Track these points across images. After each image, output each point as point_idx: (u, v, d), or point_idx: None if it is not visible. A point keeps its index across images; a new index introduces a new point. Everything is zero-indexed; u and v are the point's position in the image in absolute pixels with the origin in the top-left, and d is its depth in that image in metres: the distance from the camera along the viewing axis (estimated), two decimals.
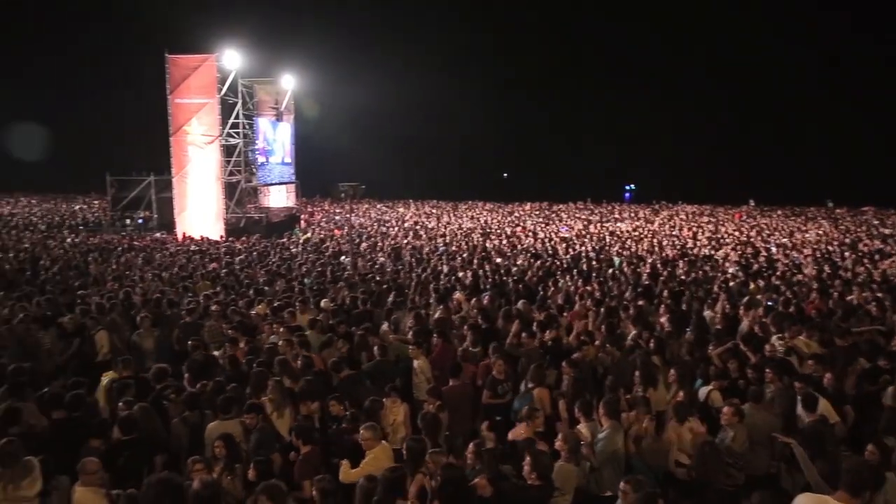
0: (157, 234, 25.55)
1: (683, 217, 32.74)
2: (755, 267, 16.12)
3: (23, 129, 45.40)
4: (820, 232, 26.31)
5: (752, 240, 23.36)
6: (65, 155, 49.67)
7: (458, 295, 11.90)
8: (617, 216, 33.38)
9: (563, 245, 21.19)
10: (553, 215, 34.31)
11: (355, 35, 54.42)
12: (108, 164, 30.24)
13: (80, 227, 27.46)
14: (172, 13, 45.88)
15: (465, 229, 27.33)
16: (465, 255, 18.45)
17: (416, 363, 8.09)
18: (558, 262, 17.09)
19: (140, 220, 28.24)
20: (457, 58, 58.67)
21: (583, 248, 20.62)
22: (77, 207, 37.16)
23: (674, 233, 26.02)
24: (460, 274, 14.74)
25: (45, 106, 50.76)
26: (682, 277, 14.48)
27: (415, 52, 55.27)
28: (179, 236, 25.21)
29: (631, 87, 59.60)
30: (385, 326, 9.71)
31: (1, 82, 48.62)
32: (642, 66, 60.33)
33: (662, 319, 9.87)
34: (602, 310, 10.12)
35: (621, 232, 26.29)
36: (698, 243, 22.25)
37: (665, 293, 12.07)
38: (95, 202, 38.18)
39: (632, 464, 6.02)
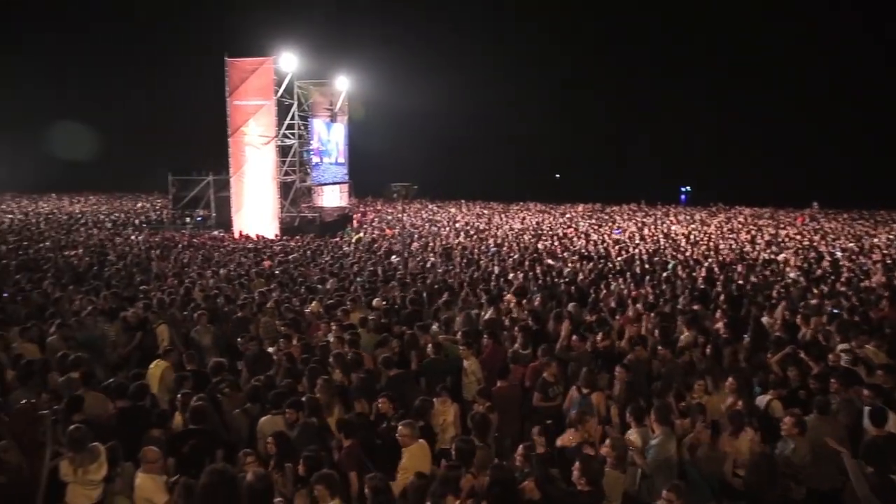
0: (215, 232, 26.29)
1: (742, 220, 31.77)
2: (818, 272, 15.52)
3: (73, 129, 47.24)
4: (892, 237, 25.11)
5: (815, 244, 22.50)
6: (130, 155, 51.67)
7: (508, 296, 11.85)
8: (672, 218, 32.62)
9: (616, 247, 20.85)
10: (606, 217, 33.80)
11: (410, 36, 54.82)
12: (170, 164, 31.31)
13: (144, 225, 28.49)
14: (232, 17, 47.23)
15: (516, 230, 27.18)
16: (516, 257, 18.36)
17: (466, 364, 8.08)
18: (611, 265, 16.84)
19: (199, 219, 29.12)
20: (511, 58, 58.54)
21: (636, 250, 20.25)
22: (139, 205, 38.53)
23: (731, 236, 25.27)
24: (511, 275, 14.67)
25: (113, 108, 52.99)
26: (740, 282, 14.05)
27: (469, 52, 55.38)
28: (236, 234, 25.89)
29: (687, 85, 58.24)
30: (435, 327, 9.75)
31: (67, 84, 50.82)
32: (700, 64, 58.90)
33: (719, 325, 9.60)
34: (655, 314, 9.91)
35: (676, 234, 25.71)
36: (757, 247, 21.56)
37: (722, 298, 11.74)
38: (158, 201, 39.53)
39: (686, 472, 5.87)
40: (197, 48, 44.71)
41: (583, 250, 20.39)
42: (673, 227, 28.36)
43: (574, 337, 8.64)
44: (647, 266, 16.53)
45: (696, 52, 58.63)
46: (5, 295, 12.28)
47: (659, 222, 30.73)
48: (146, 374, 7.79)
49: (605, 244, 21.95)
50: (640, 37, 61.17)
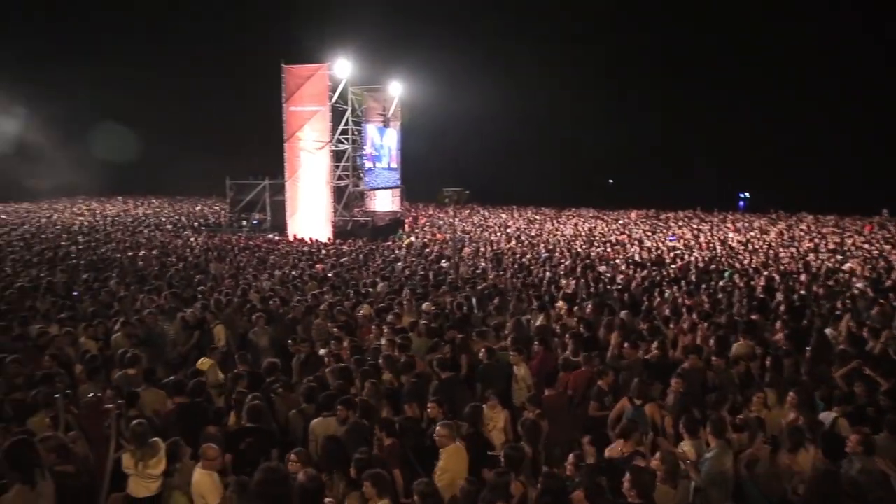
0: (270, 235, 26.89)
1: (804, 227, 30.65)
2: (888, 283, 14.84)
3: (136, 135, 49.03)
4: None
5: (884, 253, 21.52)
6: (190, 160, 53.43)
7: (559, 303, 11.75)
8: (729, 225, 31.73)
9: (671, 255, 20.41)
10: (660, 223, 33.13)
11: (462, 41, 54.90)
12: (229, 168, 32.23)
13: (202, 228, 29.37)
14: (288, 25, 48.35)
15: (568, 236, 26.93)
16: (567, 263, 18.19)
17: (516, 370, 8.04)
18: (665, 273, 16.51)
19: (255, 222, 29.85)
20: (565, 62, 57.90)
21: (691, 258, 19.80)
22: (198, 208, 39.73)
23: (793, 244, 24.41)
24: (563, 282, 14.55)
25: (174, 115, 54.93)
26: (802, 292, 13.56)
27: (522, 56, 55.12)
28: (290, 237, 26.43)
29: (745, 87, 56.60)
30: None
31: (133, 92, 52.84)
32: (760, 65, 57.16)
33: (779, 336, 9.29)
34: (711, 323, 9.66)
35: (733, 242, 25.00)
36: (821, 256, 20.76)
37: (782, 308, 11.35)
38: (216, 205, 40.69)
39: (743, 489, 5.68)
40: (254, 55, 45.89)
41: (636, 257, 20.05)
42: (730, 235, 27.59)
43: (626, 345, 8.50)
44: (702, 274, 16.13)
45: (756, 53, 56.97)
46: (75, 294, 12.85)
47: (715, 229, 29.95)
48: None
49: (659, 251, 21.53)
50: (696, 39, 59.77)
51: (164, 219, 33.10)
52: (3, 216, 32.18)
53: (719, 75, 59.15)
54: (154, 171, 52.57)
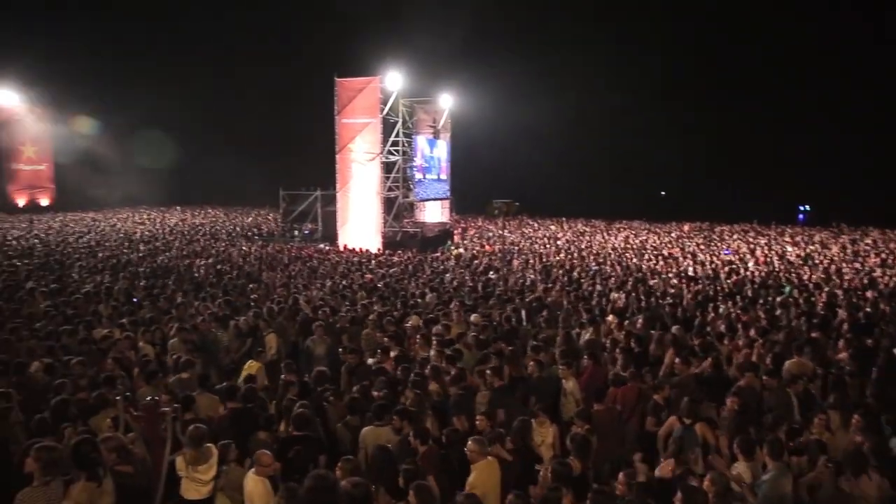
0: (321, 245, 27.33)
1: (870, 242, 29.41)
2: None
3: (194, 146, 50.74)
4: None
5: None
6: (246, 172, 54.96)
7: (609, 317, 11.59)
8: (788, 239, 30.72)
9: (726, 269, 19.88)
10: (714, 236, 32.32)
11: (512, 52, 55.01)
12: (282, 179, 32.98)
13: (256, 237, 30.08)
14: (341, 39, 49.30)
15: (618, 249, 26.53)
16: (618, 276, 17.92)
17: (565, 384, 7.95)
18: (719, 287, 16.08)
19: (306, 232, 30.40)
20: (615, 72, 57.27)
21: (747, 272, 19.23)
22: (250, 219, 40.69)
23: (857, 259, 23.44)
24: (613, 295, 14.35)
25: (229, 126, 56.73)
26: (868, 310, 13.00)
27: (572, 68, 54.73)
28: (341, 248, 26.81)
29: (807, 96, 54.74)
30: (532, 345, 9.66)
31: (183, 105, 54.74)
32: (821, 75, 55.29)
33: (842, 355, 8.92)
34: (768, 340, 9.35)
35: (792, 256, 24.18)
36: (889, 272, 19.86)
37: (846, 326, 10.91)
38: (270, 215, 41.62)
39: None
40: (308, 69, 46.99)
41: (689, 271, 19.60)
42: (789, 249, 26.70)
43: (677, 361, 8.31)
44: (759, 289, 15.65)
45: (820, 65, 55.17)
46: (135, 300, 13.33)
47: (773, 243, 29.03)
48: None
49: (713, 265, 20.99)
50: (751, 47, 58.26)
51: (219, 228, 34.03)
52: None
53: (779, 84, 57.51)
54: (210, 182, 54.27)
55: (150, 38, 55.84)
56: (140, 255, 21.16)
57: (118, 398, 6.17)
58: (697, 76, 58.87)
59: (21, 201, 44.90)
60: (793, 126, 55.05)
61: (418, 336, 9.82)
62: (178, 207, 48.05)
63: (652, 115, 57.44)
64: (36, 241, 25.40)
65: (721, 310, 12.51)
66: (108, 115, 47.55)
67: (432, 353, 8.87)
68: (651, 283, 16.84)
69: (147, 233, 30.04)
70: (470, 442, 5.80)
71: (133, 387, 7.82)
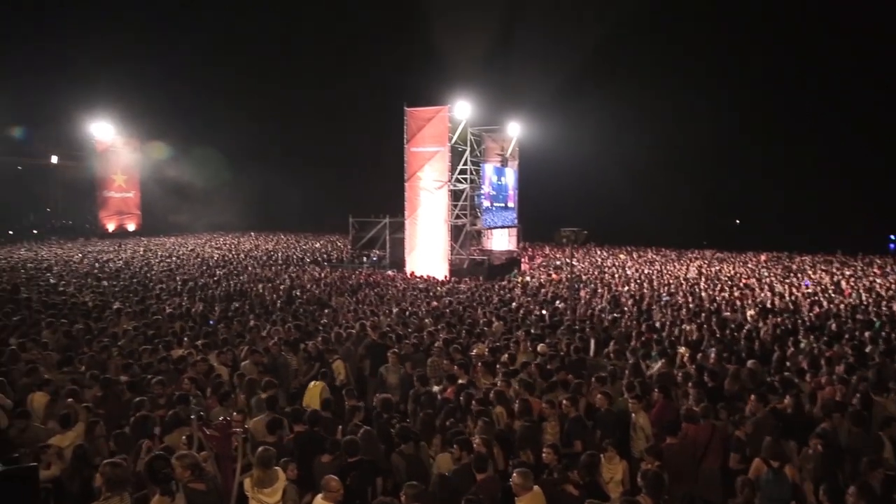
0: (389, 272, 27.68)
1: None
2: None
3: (266, 175, 52.81)
4: None
5: None
6: (317, 199, 56.67)
7: (681, 349, 11.22)
8: (876, 270, 29.03)
9: (807, 301, 18.95)
10: (794, 267, 30.89)
11: (581, 78, 54.62)
12: (352, 207, 33.77)
13: (326, 263, 30.77)
14: (411, 67, 50.46)
15: (690, 279, 25.72)
16: (690, 307, 17.35)
17: (635, 418, 7.71)
18: (800, 320, 15.32)
19: (375, 258, 30.89)
20: (686, 98, 56.07)
21: (831, 305, 18.26)
22: (318, 245, 41.65)
23: None
24: (685, 326, 13.89)
25: (300, 155, 58.93)
26: None
27: (643, 96, 53.99)
28: (408, 274, 27.09)
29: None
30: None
31: (258, 133, 57.13)
32: None
33: None
34: (857, 377, 8.82)
35: (882, 289, 22.81)
36: None
37: None
38: (339, 241, 42.55)
39: None
40: (378, 98, 48.34)
41: (766, 302, 18.78)
42: (878, 281, 25.22)
43: (752, 397, 7.93)
44: (845, 323, 14.82)
45: None
46: (210, 322, 13.84)
47: (860, 274, 27.50)
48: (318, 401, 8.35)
49: (793, 297, 20.04)
50: (832, 68, 55.85)
51: (290, 254, 35.00)
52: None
53: (867, 108, 54.84)
54: (283, 208, 56.25)
55: (220, 73, 58.69)
56: (216, 278, 21.99)
57: (193, 417, 6.39)
58: (775, 104, 56.88)
59: (111, 226, 47.84)
60: (881, 151, 52.28)
61: (481, 364, 9.77)
62: (251, 233, 49.79)
63: (726, 140, 55.81)
64: (122, 263, 26.84)
65: (802, 344, 11.90)
66: (191, 143, 50.27)
67: (498, 381, 8.79)
68: (725, 314, 16.22)
69: (223, 257, 31.21)
70: (515, 474, 5.70)
71: (207, 406, 8.08)
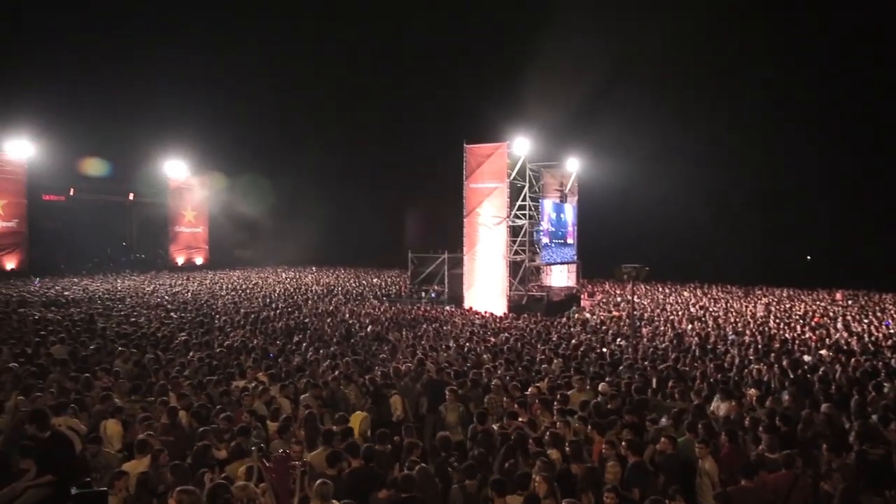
0: (447, 307, 27.70)
1: None
2: None
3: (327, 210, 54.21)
4: None
5: None
6: (377, 234, 57.71)
7: (750, 391, 10.74)
8: None
9: (888, 342, 17.91)
10: (874, 305, 29.32)
11: (641, 114, 54.04)
12: (411, 242, 34.15)
13: (384, 298, 31.07)
14: (470, 106, 51.14)
15: (759, 317, 24.75)
16: (759, 346, 16.65)
17: (702, 464, 7.39)
18: (881, 363, 14.46)
19: (433, 294, 31.00)
20: (754, 129, 54.61)
21: None
22: (376, 280, 42.09)
23: None
24: (754, 367, 13.31)
25: (361, 192, 60.41)
26: None
27: (706, 131, 52.80)
28: (466, 310, 27.03)
29: None
30: (664, 419, 9.10)
31: (324, 170, 58.78)
32: None
33: None
34: None
35: None
36: None
37: None
38: (398, 276, 42.94)
39: None
40: (439, 134, 49.04)
41: (842, 343, 17.83)
42: None
43: (825, 447, 7.49)
44: None
45: None
46: (271, 355, 14.12)
47: None
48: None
49: (872, 338, 18.98)
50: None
51: (350, 288, 35.52)
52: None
53: None
54: (346, 243, 57.38)
55: (283, 111, 61.01)
56: (277, 312, 22.49)
57: (253, 449, 6.48)
58: (848, 136, 54.67)
59: (180, 260, 50.03)
60: None
61: (538, 401, 9.59)
62: (312, 267, 50.85)
63: (795, 174, 53.86)
64: (189, 296, 27.81)
65: (885, 389, 11.21)
66: (256, 180, 52.29)
67: (558, 421, 8.59)
68: (798, 354, 15.48)
69: (284, 291, 31.92)
70: None
71: (267, 438, 8.19)
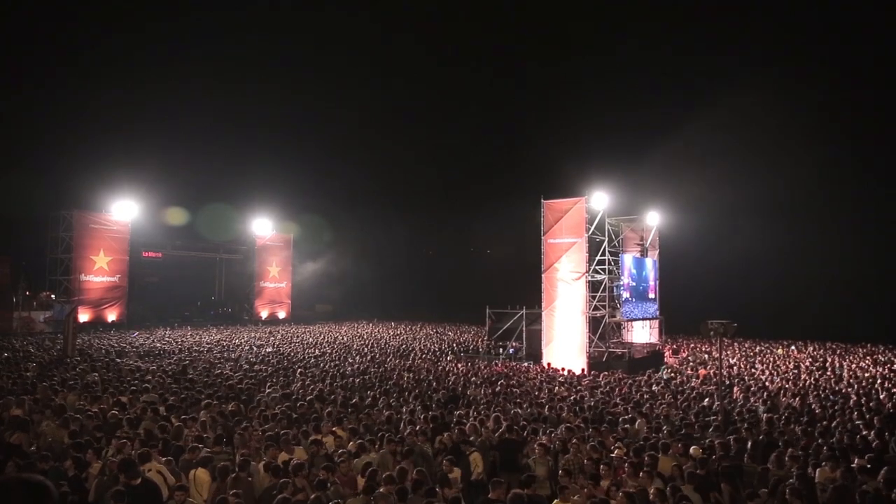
0: (525, 364, 27.22)
1: None
2: None
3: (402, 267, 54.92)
4: None
5: None
6: (453, 290, 58.06)
7: (858, 459, 9.87)
8: None
9: None
10: None
11: (724, 168, 52.64)
12: (489, 298, 34.02)
13: (462, 354, 30.89)
14: (548, 163, 51.41)
15: (866, 377, 22.95)
16: (869, 407, 15.38)
17: None
18: None
19: (511, 350, 30.59)
20: (834, 189, 52.03)
21: None
22: (452, 335, 41.99)
23: None
24: (864, 432, 12.28)
25: (439, 247, 61.28)
26: None
27: (791, 186, 50.72)
28: (545, 366, 26.46)
29: None
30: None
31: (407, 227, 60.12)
32: None
33: None
34: None
35: None
36: None
37: None
38: (475, 332, 42.73)
39: None
40: (516, 190, 49.42)
41: None
42: None
43: None
44: None
45: None
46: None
47: None
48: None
49: None
50: None
51: (429, 343, 35.54)
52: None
53: None
54: (424, 299, 58.04)
55: (363, 169, 63.52)
56: (356, 366, 22.70)
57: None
58: None
59: (264, 314, 51.80)
60: None
61: (627, 465, 9.13)
62: (392, 322, 51.44)
63: (883, 229, 50.65)
64: (271, 349, 28.57)
65: None
66: (336, 239, 54.28)
67: (651, 489, 8.13)
68: None
69: (362, 346, 32.28)
70: None
71: (342, 494, 8.14)
